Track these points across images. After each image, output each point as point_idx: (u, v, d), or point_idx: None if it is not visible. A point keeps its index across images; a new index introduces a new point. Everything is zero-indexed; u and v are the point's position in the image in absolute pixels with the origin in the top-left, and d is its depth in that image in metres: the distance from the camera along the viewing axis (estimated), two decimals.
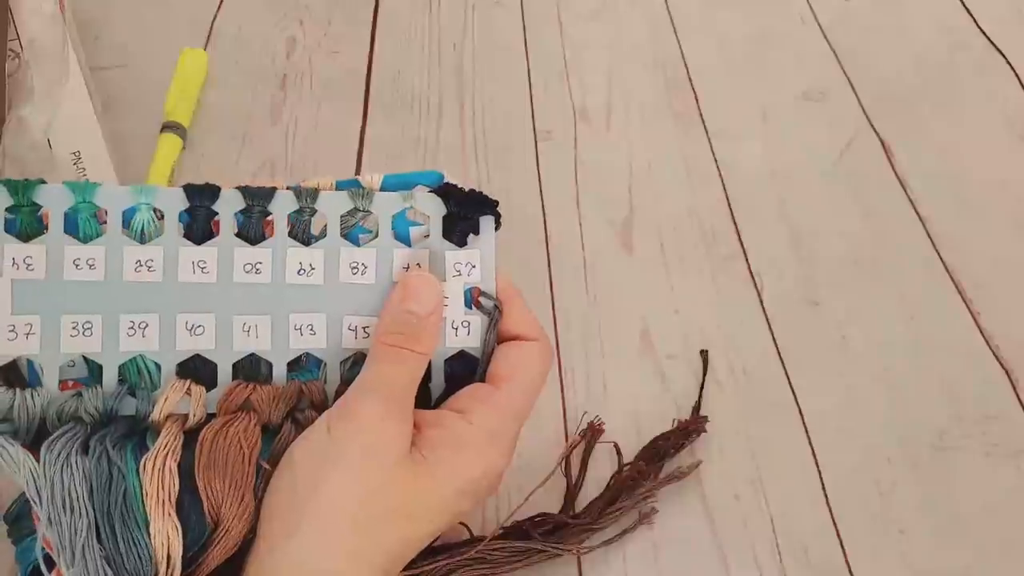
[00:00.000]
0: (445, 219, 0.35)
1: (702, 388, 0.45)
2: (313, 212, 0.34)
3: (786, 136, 0.61)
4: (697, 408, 0.45)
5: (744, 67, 0.66)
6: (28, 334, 0.31)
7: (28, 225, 0.32)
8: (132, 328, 0.32)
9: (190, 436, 0.32)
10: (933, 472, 0.43)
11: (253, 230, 0.34)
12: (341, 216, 0.34)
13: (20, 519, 0.34)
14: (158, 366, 0.33)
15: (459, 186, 0.35)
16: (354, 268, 0.34)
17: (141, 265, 0.32)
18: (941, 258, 0.53)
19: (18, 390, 0.31)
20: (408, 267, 0.34)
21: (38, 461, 0.30)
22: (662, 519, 0.40)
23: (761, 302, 0.50)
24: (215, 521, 0.31)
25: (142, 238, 0.33)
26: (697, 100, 0.63)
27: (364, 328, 0.34)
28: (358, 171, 0.56)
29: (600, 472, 0.41)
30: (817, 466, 0.43)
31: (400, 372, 0.32)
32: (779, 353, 0.48)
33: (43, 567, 0.31)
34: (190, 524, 0.30)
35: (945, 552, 0.40)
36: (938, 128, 0.62)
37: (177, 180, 0.54)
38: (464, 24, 0.68)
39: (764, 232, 0.54)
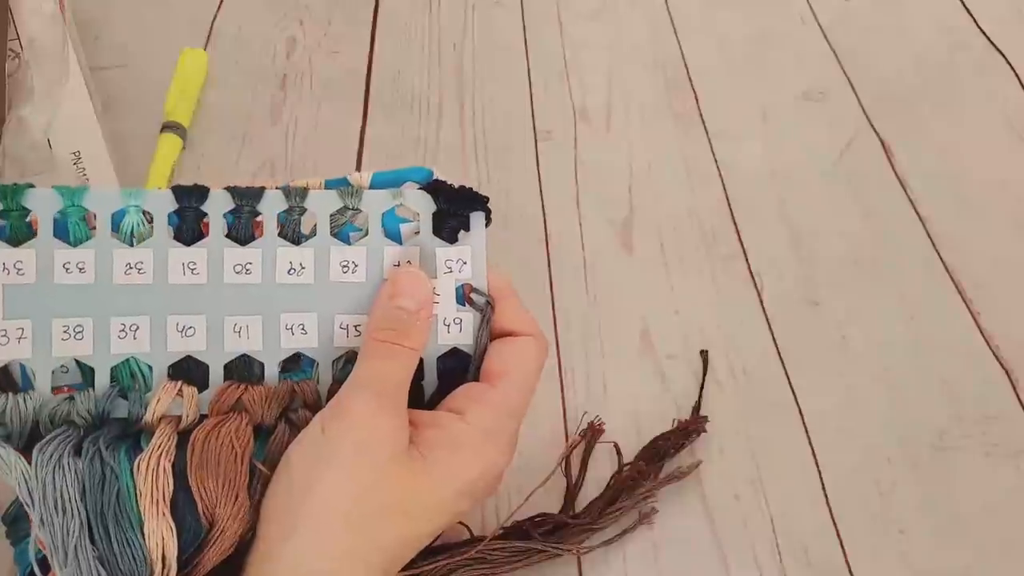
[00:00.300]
0: (435, 216, 0.35)
1: (702, 388, 0.45)
2: (302, 211, 0.34)
3: (786, 136, 0.60)
4: (697, 408, 0.45)
5: (744, 67, 0.66)
6: (20, 338, 0.31)
7: (17, 230, 0.32)
8: (123, 330, 0.32)
9: (184, 437, 0.32)
10: (933, 472, 0.43)
11: (243, 230, 0.34)
12: (331, 215, 0.34)
13: (18, 520, 0.34)
14: (150, 368, 0.33)
15: (448, 182, 0.35)
16: (344, 267, 0.34)
17: (131, 267, 0.32)
18: (941, 258, 0.53)
19: (10, 394, 0.31)
20: (399, 264, 0.34)
21: (30, 464, 0.30)
22: (662, 519, 0.40)
23: (761, 302, 0.50)
24: (210, 521, 0.30)
25: (132, 240, 0.33)
26: (697, 100, 0.63)
27: (356, 327, 0.34)
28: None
29: (600, 472, 0.41)
30: (817, 466, 0.43)
31: (392, 368, 0.32)
32: (779, 353, 0.48)
33: (37, 570, 0.31)
34: (186, 524, 0.30)
35: (945, 552, 0.40)
36: (938, 128, 0.62)
37: (177, 180, 0.54)
38: (464, 24, 0.68)
39: (764, 232, 0.54)
